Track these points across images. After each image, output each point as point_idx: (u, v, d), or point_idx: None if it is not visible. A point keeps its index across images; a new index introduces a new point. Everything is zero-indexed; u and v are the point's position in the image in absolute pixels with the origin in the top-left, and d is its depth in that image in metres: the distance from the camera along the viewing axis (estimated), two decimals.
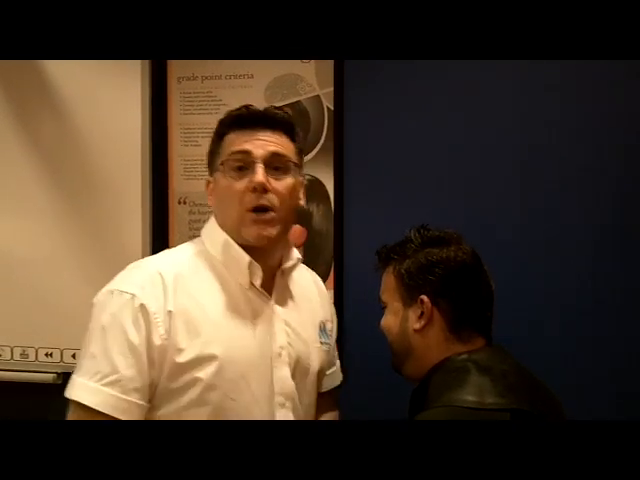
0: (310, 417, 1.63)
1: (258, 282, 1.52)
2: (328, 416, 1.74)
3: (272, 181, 1.49)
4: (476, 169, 2.16)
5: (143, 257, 1.67)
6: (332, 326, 1.76)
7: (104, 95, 2.34)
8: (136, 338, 1.40)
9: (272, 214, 1.49)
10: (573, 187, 2.10)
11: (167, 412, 1.45)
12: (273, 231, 1.50)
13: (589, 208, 2.08)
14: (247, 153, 1.49)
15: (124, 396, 1.39)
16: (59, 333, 2.37)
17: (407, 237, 1.53)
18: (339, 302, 2.27)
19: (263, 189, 1.48)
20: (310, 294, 1.70)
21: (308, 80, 2.28)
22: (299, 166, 1.58)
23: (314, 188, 2.28)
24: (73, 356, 2.37)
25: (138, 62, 2.31)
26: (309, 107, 2.29)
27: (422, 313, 1.46)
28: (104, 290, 1.48)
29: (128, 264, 1.56)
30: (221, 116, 1.60)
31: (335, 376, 1.80)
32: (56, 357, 2.40)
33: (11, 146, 2.40)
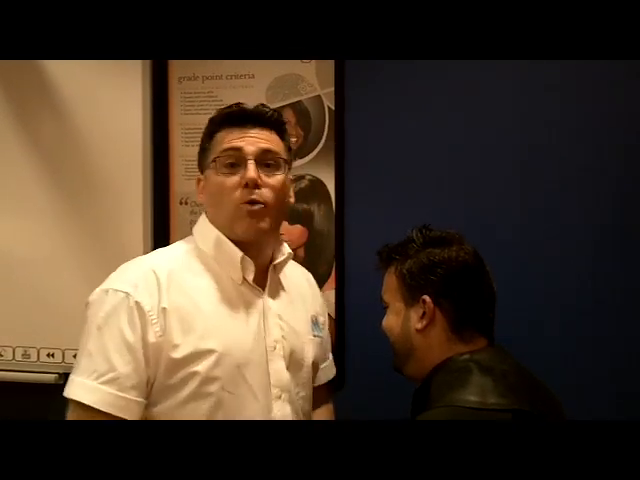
0: (307, 410, 1.65)
1: (251, 277, 1.54)
2: (323, 410, 1.78)
3: (263, 177, 1.52)
4: (476, 169, 2.16)
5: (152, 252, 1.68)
6: (324, 319, 1.78)
7: (104, 95, 2.34)
8: (131, 336, 1.42)
9: (263, 207, 1.51)
10: (573, 187, 2.10)
11: (164, 408, 1.46)
12: (264, 225, 1.52)
13: (589, 208, 2.09)
14: (239, 150, 1.52)
15: (122, 394, 1.41)
16: (61, 333, 2.37)
17: (409, 237, 1.53)
18: (340, 302, 2.28)
19: (255, 185, 1.50)
20: (301, 288, 1.72)
21: (309, 80, 2.28)
22: (289, 163, 1.60)
23: (315, 188, 2.29)
24: (75, 356, 2.36)
25: (139, 62, 2.31)
26: (310, 107, 2.29)
27: (424, 313, 1.46)
28: (98, 289, 1.49)
29: (137, 257, 1.59)
30: None
31: (328, 370, 1.83)
32: (58, 357, 2.40)
33: (11, 146, 2.40)
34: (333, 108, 2.27)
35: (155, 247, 2.30)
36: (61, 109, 2.36)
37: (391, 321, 1.53)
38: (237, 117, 1.55)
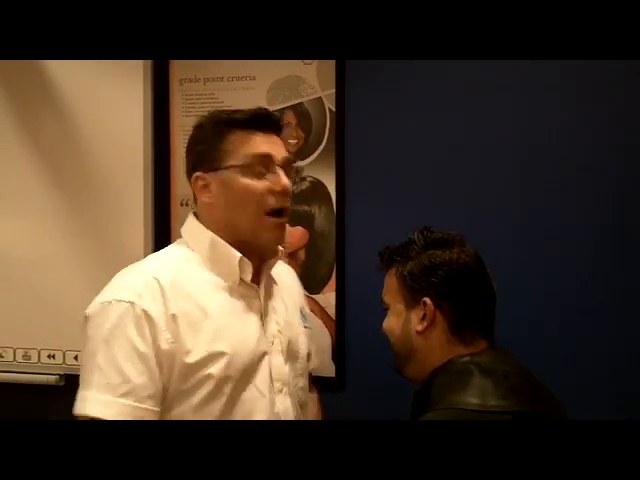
0: (304, 400, 1.67)
1: (248, 277, 1.55)
2: (308, 400, 1.78)
3: None
4: (476, 169, 2.17)
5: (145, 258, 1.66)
6: (307, 311, 1.80)
7: (106, 96, 2.35)
8: (142, 345, 1.40)
9: (285, 219, 1.56)
10: (573, 187, 2.10)
11: (178, 413, 1.45)
12: (284, 237, 1.57)
13: (589, 208, 2.09)
14: (268, 156, 1.52)
15: (139, 404, 1.39)
16: (61, 335, 2.37)
17: (410, 239, 1.53)
18: (341, 304, 2.28)
19: (286, 192, 1.53)
20: (287, 282, 1.73)
21: (310, 82, 2.29)
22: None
23: (316, 189, 2.29)
24: (75, 358, 2.38)
25: (140, 63, 2.32)
26: (311, 109, 2.29)
27: (424, 315, 1.46)
28: (97, 302, 1.46)
29: (130, 265, 1.56)
30: None
31: (312, 361, 1.82)
32: (58, 359, 2.41)
33: (12, 146, 2.41)
34: (334, 110, 2.27)
35: (156, 248, 2.30)
36: (62, 110, 2.36)
37: (392, 323, 1.53)
38: (255, 120, 1.54)
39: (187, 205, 2.37)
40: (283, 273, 1.72)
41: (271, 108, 2.28)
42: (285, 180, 1.52)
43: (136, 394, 1.39)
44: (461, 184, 2.17)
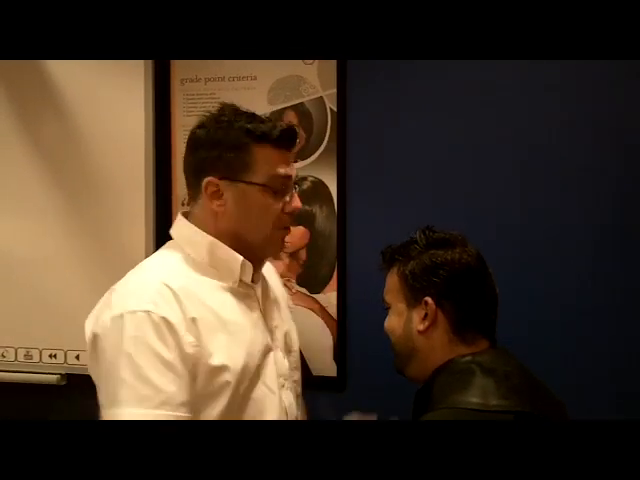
0: (300, 393, 1.69)
1: (249, 279, 1.55)
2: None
3: None
4: (476, 169, 2.16)
5: (146, 258, 1.65)
6: (291, 304, 1.85)
7: (106, 96, 2.34)
8: (167, 352, 1.38)
9: (290, 230, 1.60)
10: (573, 187, 2.10)
11: (204, 416, 1.44)
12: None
13: (589, 208, 2.09)
14: (289, 178, 1.54)
15: (175, 413, 1.36)
16: (63, 334, 2.37)
17: (412, 238, 1.53)
18: (342, 303, 2.28)
19: (297, 212, 1.58)
20: (273, 278, 1.75)
21: (311, 82, 2.28)
22: None
23: (317, 189, 2.29)
24: (77, 357, 2.38)
25: (141, 63, 2.32)
26: (312, 109, 2.29)
27: (426, 315, 1.46)
28: (104, 319, 1.42)
29: (131, 265, 1.56)
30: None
31: None
32: (60, 358, 2.41)
33: (13, 146, 2.40)
34: (335, 110, 2.27)
35: (157, 248, 2.30)
36: (63, 110, 2.36)
37: (393, 322, 1.53)
38: (283, 137, 1.52)
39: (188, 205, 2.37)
40: (267, 269, 1.72)
41: (272, 108, 2.30)
42: (299, 202, 1.57)
43: (171, 403, 1.36)
44: (461, 184, 2.17)
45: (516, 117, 2.14)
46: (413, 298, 1.49)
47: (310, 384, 2.12)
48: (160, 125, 2.38)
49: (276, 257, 1.64)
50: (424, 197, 2.20)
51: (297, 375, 1.69)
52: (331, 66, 2.26)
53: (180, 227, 1.59)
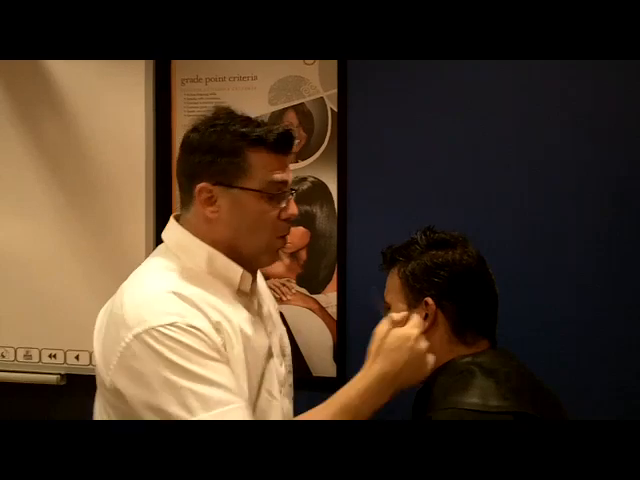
0: (293, 397, 1.68)
1: (248, 289, 1.53)
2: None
3: None
4: (476, 169, 2.16)
5: (142, 269, 1.57)
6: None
7: (107, 96, 2.34)
8: (209, 351, 1.35)
9: (288, 238, 1.55)
10: (573, 187, 2.10)
11: None
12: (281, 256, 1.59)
13: (589, 208, 2.09)
14: (285, 184, 1.49)
15: (244, 404, 1.35)
16: (62, 334, 2.38)
17: (413, 239, 1.53)
18: (342, 304, 2.28)
19: (294, 218, 1.52)
20: (262, 283, 1.72)
21: (312, 82, 2.29)
22: None
23: (317, 190, 2.29)
24: (77, 357, 2.38)
25: (142, 63, 2.32)
26: (313, 109, 2.29)
27: (426, 315, 1.46)
28: (128, 340, 1.35)
29: (131, 265, 1.55)
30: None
31: None
32: (60, 358, 2.41)
33: (13, 146, 2.40)
34: (335, 110, 2.27)
35: None
36: (63, 109, 2.36)
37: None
38: (279, 142, 1.47)
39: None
40: (259, 276, 1.69)
41: (273, 108, 2.30)
42: (295, 209, 1.51)
43: (242, 394, 1.36)
44: (461, 184, 2.17)
45: (516, 117, 2.14)
46: (414, 299, 1.49)
47: (310, 384, 2.13)
48: (160, 125, 2.38)
49: (269, 264, 1.57)
50: (424, 197, 2.20)
51: (291, 379, 1.68)
52: (332, 67, 2.26)
53: (174, 233, 1.54)
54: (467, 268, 1.48)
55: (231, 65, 2.33)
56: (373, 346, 1.44)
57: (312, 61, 2.27)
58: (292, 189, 1.54)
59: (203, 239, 1.49)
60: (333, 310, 2.29)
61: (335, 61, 2.25)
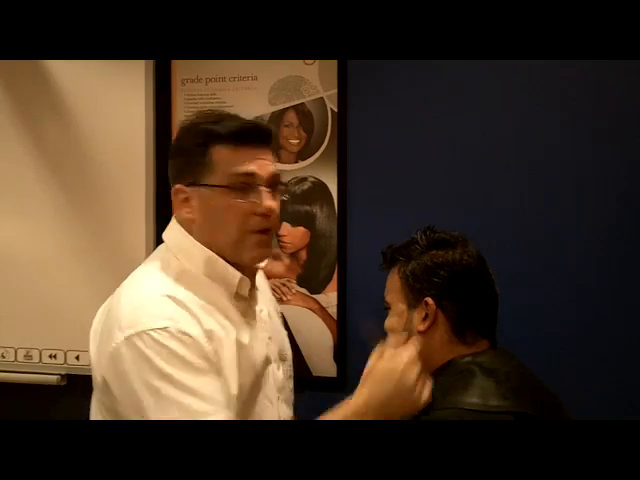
0: (293, 402, 1.67)
1: (246, 293, 1.53)
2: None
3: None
4: (477, 169, 2.17)
5: (142, 269, 1.57)
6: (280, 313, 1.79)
7: (107, 96, 2.35)
8: (197, 360, 1.35)
9: (270, 235, 1.50)
10: (573, 187, 2.10)
11: None
12: (270, 251, 1.52)
13: (590, 208, 2.09)
14: (252, 175, 1.45)
15: (228, 414, 1.35)
16: (63, 335, 2.38)
17: (413, 239, 1.53)
18: (342, 304, 2.28)
19: (269, 213, 1.46)
20: (264, 287, 1.71)
21: (312, 82, 2.29)
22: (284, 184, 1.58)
23: (318, 190, 2.29)
24: (77, 358, 2.38)
25: (142, 64, 2.32)
26: (313, 109, 2.29)
27: (426, 315, 1.46)
28: (119, 340, 1.36)
29: (131, 265, 1.55)
30: None
31: None
32: (60, 359, 2.41)
33: (14, 145, 2.40)
34: (336, 110, 2.27)
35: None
36: (63, 109, 2.36)
37: (393, 322, 1.53)
38: (243, 134, 1.46)
39: None
40: (259, 278, 1.68)
41: (273, 108, 2.30)
42: (269, 202, 1.45)
43: (227, 404, 1.36)
44: (461, 184, 2.17)
45: (516, 117, 2.14)
46: (414, 298, 1.48)
47: (310, 384, 2.13)
48: (161, 125, 2.38)
49: (254, 261, 1.52)
50: (424, 197, 2.20)
51: (291, 384, 1.67)
52: (332, 67, 2.27)
53: (174, 234, 1.54)
54: (467, 268, 1.47)
55: (231, 65, 2.33)
56: (364, 373, 1.43)
57: (312, 61, 2.28)
58: (281, 184, 1.52)
59: (197, 239, 1.49)
60: (333, 310, 2.29)
61: (335, 61, 2.26)
